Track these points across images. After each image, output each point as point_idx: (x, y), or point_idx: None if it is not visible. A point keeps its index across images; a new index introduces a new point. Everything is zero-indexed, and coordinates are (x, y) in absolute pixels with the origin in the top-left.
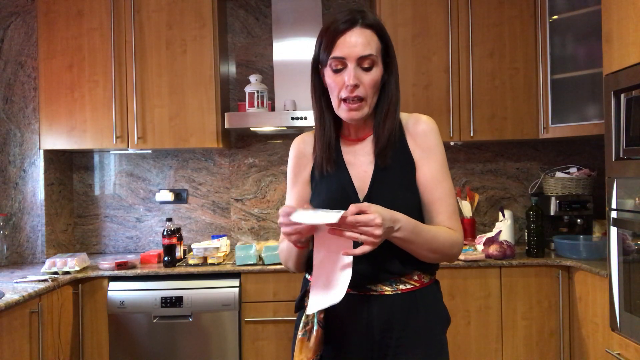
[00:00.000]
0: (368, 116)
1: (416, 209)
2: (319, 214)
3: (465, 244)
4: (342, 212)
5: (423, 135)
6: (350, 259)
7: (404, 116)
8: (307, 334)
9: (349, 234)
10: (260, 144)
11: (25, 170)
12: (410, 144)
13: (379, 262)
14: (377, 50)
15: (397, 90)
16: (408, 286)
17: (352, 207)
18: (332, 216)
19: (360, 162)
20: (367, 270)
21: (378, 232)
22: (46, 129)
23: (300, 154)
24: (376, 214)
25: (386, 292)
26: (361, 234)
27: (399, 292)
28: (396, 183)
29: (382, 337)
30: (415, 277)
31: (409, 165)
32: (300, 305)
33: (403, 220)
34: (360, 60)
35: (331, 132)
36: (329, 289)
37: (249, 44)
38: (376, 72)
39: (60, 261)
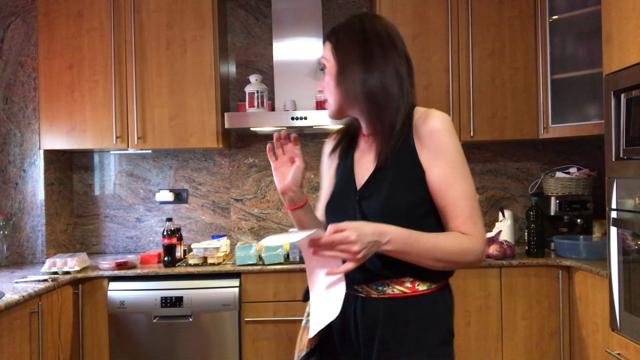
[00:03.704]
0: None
1: (416, 209)
2: (289, 236)
3: None
4: (310, 232)
5: (429, 135)
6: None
7: (417, 113)
8: (308, 323)
9: (327, 252)
10: (260, 144)
11: (25, 170)
12: (417, 145)
13: (366, 263)
14: (329, 57)
15: (383, 90)
16: (396, 292)
17: (330, 228)
18: (298, 236)
19: (365, 159)
20: (353, 270)
21: (355, 248)
22: (46, 129)
23: (327, 153)
24: (351, 231)
25: (372, 295)
26: (341, 251)
27: (385, 297)
28: (393, 182)
29: (366, 339)
30: (408, 284)
31: (413, 165)
32: (307, 295)
33: (392, 233)
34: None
35: (348, 127)
36: (325, 307)
37: (249, 44)
38: (328, 76)
39: (60, 261)
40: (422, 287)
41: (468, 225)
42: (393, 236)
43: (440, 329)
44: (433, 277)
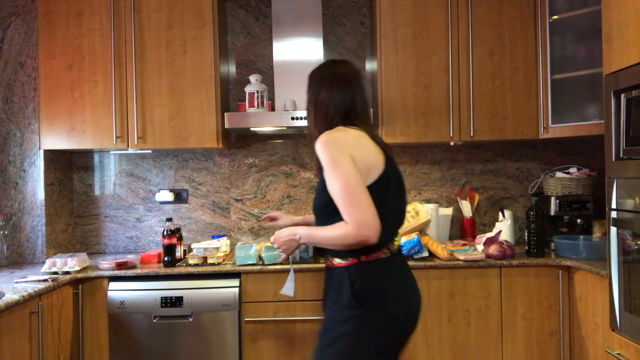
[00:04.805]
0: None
1: (326, 207)
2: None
3: (465, 244)
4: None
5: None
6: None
7: None
8: None
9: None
10: (260, 144)
11: (25, 170)
12: None
13: None
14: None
15: (309, 116)
16: (327, 263)
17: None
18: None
19: None
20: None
21: (275, 245)
22: (46, 129)
23: None
24: (275, 234)
25: (323, 262)
26: None
27: (326, 265)
28: (318, 186)
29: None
30: (330, 258)
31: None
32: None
33: (301, 231)
34: None
35: None
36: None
37: (249, 44)
38: None
39: (60, 261)
40: (336, 261)
41: (345, 216)
42: (301, 234)
43: (347, 295)
44: (341, 255)
